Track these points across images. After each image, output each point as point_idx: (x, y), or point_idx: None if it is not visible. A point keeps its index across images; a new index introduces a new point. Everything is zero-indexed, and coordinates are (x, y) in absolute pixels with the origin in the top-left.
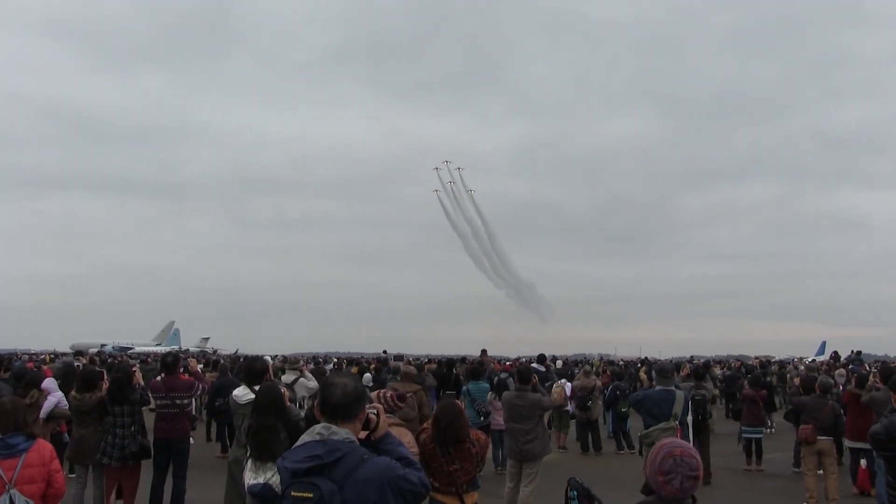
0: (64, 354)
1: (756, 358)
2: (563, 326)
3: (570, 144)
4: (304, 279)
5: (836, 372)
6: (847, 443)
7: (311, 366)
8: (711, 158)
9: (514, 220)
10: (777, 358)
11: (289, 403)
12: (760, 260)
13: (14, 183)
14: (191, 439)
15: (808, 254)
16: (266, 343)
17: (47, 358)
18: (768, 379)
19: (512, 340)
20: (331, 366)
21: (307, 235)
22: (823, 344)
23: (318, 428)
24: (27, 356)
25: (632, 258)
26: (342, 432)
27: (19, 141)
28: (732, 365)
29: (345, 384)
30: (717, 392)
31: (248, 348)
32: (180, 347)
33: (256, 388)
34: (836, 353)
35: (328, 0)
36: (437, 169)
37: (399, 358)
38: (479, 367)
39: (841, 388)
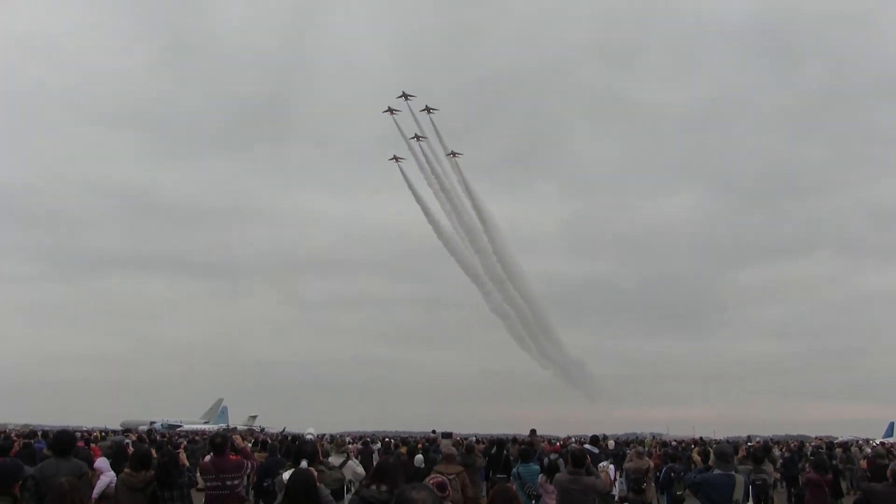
0: (114, 432)
1: (817, 438)
2: (613, 405)
3: (619, 223)
4: (352, 357)
5: None
6: None
7: (359, 445)
8: (763, 235)
9: (564, 298)
10: (840, 439)
11: (320, 485)
12: (816, 337)
13: (77, 263)
14: None
15: (866, 330)
16: (313, 422)
17: (98, 435)
18: (834, 462)
19: (561, 419)
20: (378, 445)
21: (356, 314)
22: (892, 425)
23: None
24: (78, 433)
25: (683, 335)
26: None
27: (86, 223)
28: (792, 446)
29: (423, 501)
30: (777, 476)
31: (296, 427)
32: (228, 425)
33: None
34: None
35: (380, 86)
36: (478, 253)
37: (448, 436)
38: (530, 448)
39: None
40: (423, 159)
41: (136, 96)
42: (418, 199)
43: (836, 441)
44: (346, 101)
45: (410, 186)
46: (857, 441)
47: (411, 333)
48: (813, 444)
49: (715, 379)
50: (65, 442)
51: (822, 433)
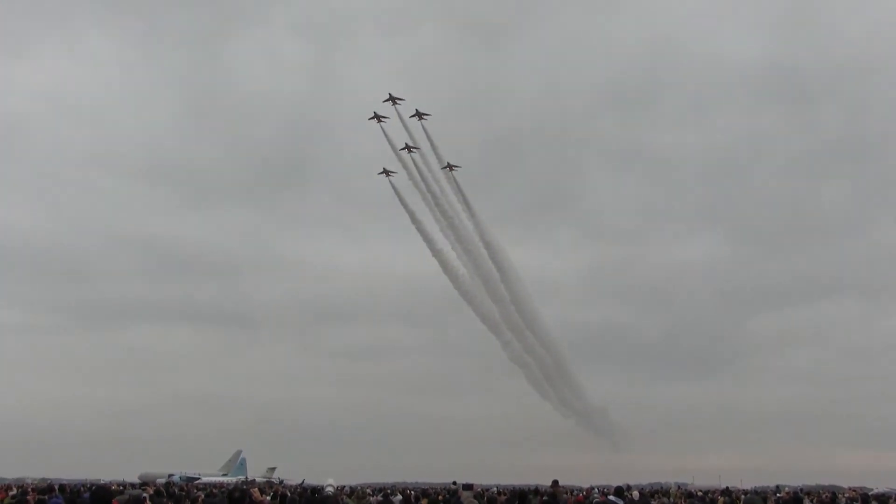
0: (132, 485)
1: (851, 489)
2: (636, 453)
3: (640, 269)
4: (371, 407)
5: None
6: None
7: (380, 498)
8: (785, 279)
9: (585, 345)
10: (875, 490)
11: None
12: (845, 382)
13: (98, 314)
14: None
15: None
16: (333, 473)
17: (116, 489)
18: None
19: (584, 468)
20: (399, 498)
21: (375, 363)
22: None
23: None
24: (95, 487)
25: (707, 382)
26: None
27: (108, 275)
28: (824, 497)
29: None
30: None
31: (315, 479)
32: (247, 477)
33: None
34: None
35: (400, 138)
36: (496, 303)
37: (468, 487)
38: (552, 500)
39: None
40: (416, 174)
41: (158, 150)
42: (435, 253)
43: (871, 493)
44: (366, 152)
45: (405, 206)
46: (895, 494)
47: (430, 382)
48: (847, 495)
49: (741, 426)
50: (102, 499)
51: (856, 483)
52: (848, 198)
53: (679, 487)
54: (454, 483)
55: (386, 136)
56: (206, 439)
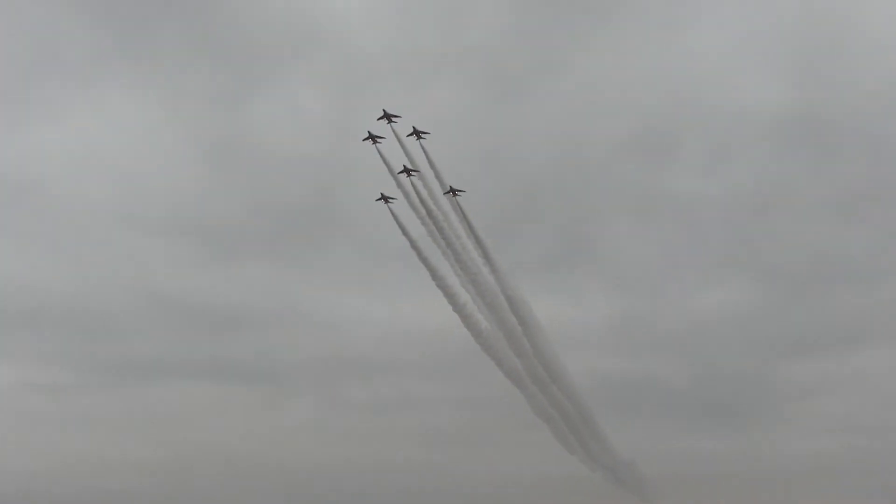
0: None
1: None
2: None
3: (665, 318)
4: (393, 459)
5: None
6: None
7: None
8: (814, 326)
9: (612, 397)
10: None
11: None
12: (881, 432)
13: (125, 371)
14: None
15: None
16: None
17: None
18: None
19: None
20: None
21: (399, 416)
22: None
23: None
24: None
25: (738, 432)
26: None
27: (133, 331)
28: None
29: None
30: None
31: None
32: None
33: None
34: None
35: (396, 157)
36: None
37: None
38: None
39: None
40: (416, 199)
41: (183, 207)
42: (457, 308)
43: None
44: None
45: (411, 242)
46: None
47: (454, 437)
48: None
49: (773, 478)
50: None
51: None
52: (876, 243)
53: None
54: None
55: (382, 157)
56: (232, 495)
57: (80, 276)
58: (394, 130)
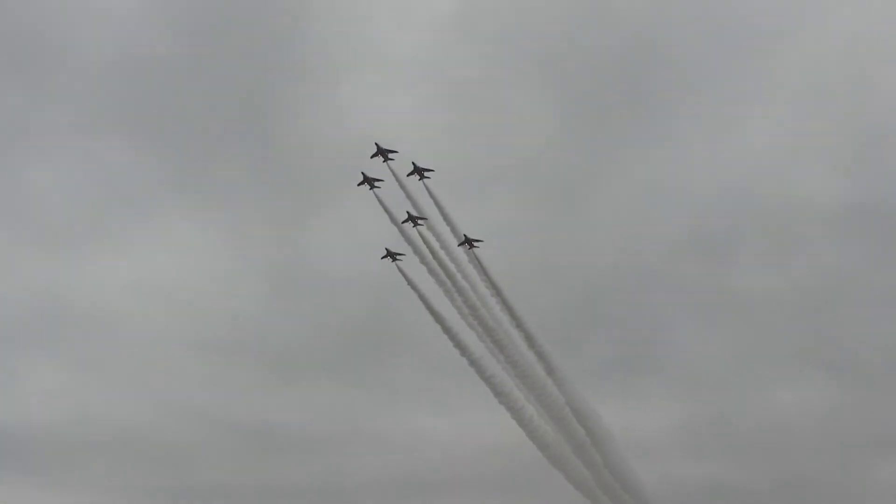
0: None
1: None
2: None
3: (740, 419)
4: None
5: None
6: None
7: None
8: None
9: (688, 502)
10: None
11: None
12: None
13: (196, 499)
14: None
15: None
16: None
17: None
18: None
19: None
20: None
21: None
22: None
23: None
24: None
25: None
26: None
27: (203, 458)
28: None
29: None
30: None
31: None
32: None
33: None
34: None
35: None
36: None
37: None
38: None
39: None
40: (427, 254)
41: (248, 330)
42: (523, 424)
43: None
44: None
45: (425, 303)
46: None
47: None
48: None
49: None
50: None
51: None
52: None
53: None
54: None
55: (382, 204)
56: None
57: (150, 405)
58: (391, 169)
